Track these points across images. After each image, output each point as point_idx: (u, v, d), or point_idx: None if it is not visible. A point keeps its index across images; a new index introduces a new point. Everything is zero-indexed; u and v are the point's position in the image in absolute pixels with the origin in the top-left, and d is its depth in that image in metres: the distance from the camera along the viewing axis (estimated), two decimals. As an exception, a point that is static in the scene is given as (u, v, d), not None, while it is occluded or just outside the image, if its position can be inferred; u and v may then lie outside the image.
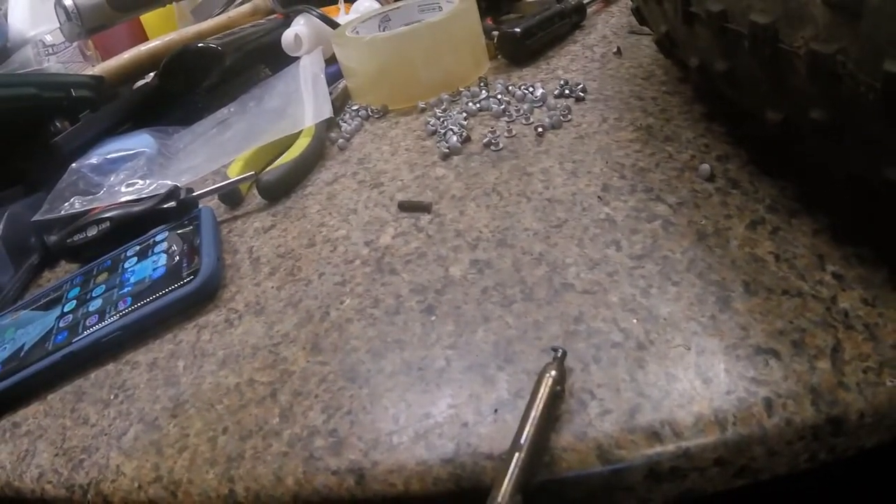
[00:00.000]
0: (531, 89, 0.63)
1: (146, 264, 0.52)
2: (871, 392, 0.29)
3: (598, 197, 0.46)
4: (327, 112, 0.68)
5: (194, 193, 0.60)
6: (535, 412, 0.30)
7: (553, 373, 0.32)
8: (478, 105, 0.64)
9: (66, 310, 0.51)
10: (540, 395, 0.31)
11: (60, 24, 0.91)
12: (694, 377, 0.32)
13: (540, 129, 0.56)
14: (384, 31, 0.79)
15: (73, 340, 0.47)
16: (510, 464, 0.28)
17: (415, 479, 0.31)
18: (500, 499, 0.27)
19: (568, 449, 0.30)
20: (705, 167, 0.45)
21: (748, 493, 0.31)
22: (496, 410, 0.33)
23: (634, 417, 0.31)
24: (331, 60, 0.82)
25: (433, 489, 0.31)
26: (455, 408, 0.34)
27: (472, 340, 0.37)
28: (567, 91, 0.62)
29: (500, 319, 0.38)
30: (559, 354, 0.33)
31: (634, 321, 0.35)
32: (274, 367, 0.40)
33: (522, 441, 0.29)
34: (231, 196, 0.61)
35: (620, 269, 0.39)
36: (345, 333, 0.41)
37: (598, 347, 0.34)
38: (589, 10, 0.82)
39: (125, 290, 0.50)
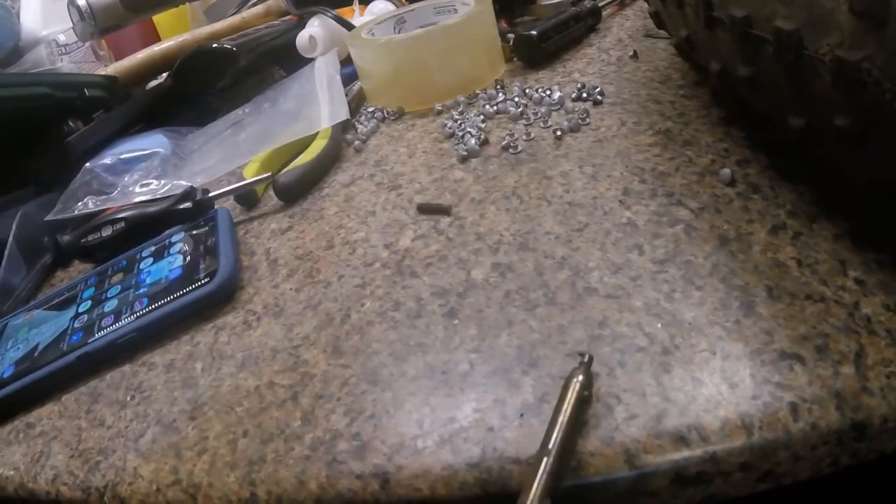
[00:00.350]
0: (548, 92, 0.63)
1: (162, 265, 0.52)
2: (895, 397, 0.29)
3: (619, 201, 0.46)
4: (344, 114, 0.68)
5: (210, 194, 0.60)
6: (563, 417, 0.30)
7: (580, 377, 0.32)
8: (495, 108, 0.64)
9: (80, 310, 0.51)
10: (567, 400, 0.31)
11: (73, 23, 0.92)
12: (720, 382, 0.31)
13: (558, 133, 0.56)
14: (399, 32, 0.79)
15: (89, 341, 0.46)
16: (538, 469, 0.28)
17: (440, 483, 0.31)
18: (530, 502, 0.27)
19: (595, 454, 0.30)
20: (726, 171, 0.44)
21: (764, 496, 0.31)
22: (522, 415, 0.33)
23: (661, 422, 0.30)
24: (345, 62, 0.82)
25: (459, 494, 0.31)
26: (480, 412, 0.33)
27: (495, 344, 0.37)
28: (584, 94, 0.62)
29: (524, 323, 0.38)
30: (586, 359, 0.33)
31: (659, 326, 0.35)
32: (294, 369, 0.40)
33: (550, 446, 0.29)
34: (247, 197, 0.61)
35: (643, 273, 0.39)
36: (366, 336, 0.40)
37: (623, 352, 0.34)
38: (604, 13, 0.81)
39: (141, 290, 0.50)
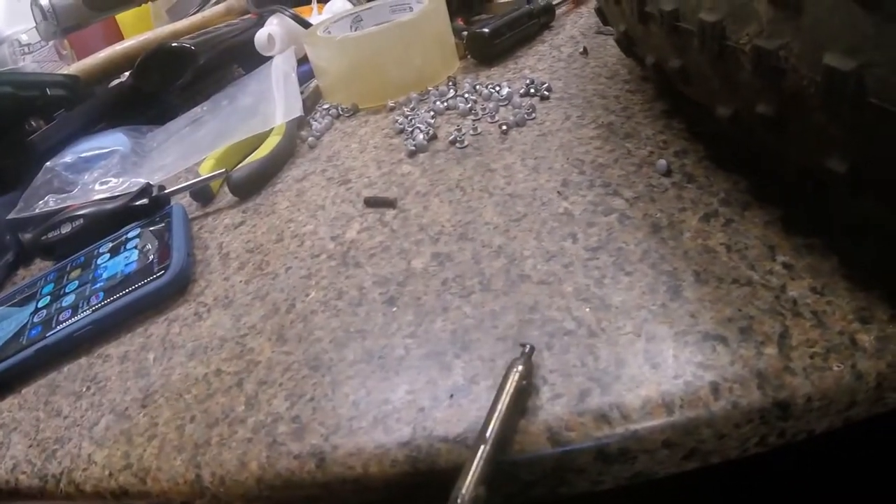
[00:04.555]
0: (498, 88, 0.65)
1: (118, 260, 0.53)
2: (818, 376, 0.30)
3: (558, 192, 0.47)
4: (298, 110, 0.69)
5: (166, 191, 0.61)
6: (502, 405, 0.31)
7: (520, 367, 0.32)
8: (445, 104, 0.65)
9: (40, 305, 0.52)
10: (507, 389, 0.31)
11: (36, 23, 0.92)
12: (643, 362, 0.32)
13: (504, 127, 0.57)
14: (356, 31, 0.80)
15: (47, 335, 0.47)
16: (476, 456, 0.29)
17: (373, 461, 0.32)
18: (464, 490, 0.28)
19: (520, 431, 0.31)
20: (662, 162, 0.46)
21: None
22: (452, 395, 0.34)
23: (584, 401, 0.31)
24: (303, 60, 0.83)
25: (391, 471, 0.32)
26: (412, 393, 0.35)
27: (430, 329, 0.38)
28: (532, 90, 0.63)
29: (459, 309, 0.39)
30: (527, 350, 0.34)
31: (587, 310, 0.36)
32: (241, 357, 0.41)
33: (488, 434, 0.30)
34: (202, 193, 0.62)
35: (576, 260, 0.40)
36: (309, 324, 0.42)
37: (552, 335, 0.35)
38: (558, 11, 0.83)
39: (97, 285, 0.51)
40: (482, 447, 0.29)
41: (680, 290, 0.36)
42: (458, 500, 0.28)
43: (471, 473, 0.28)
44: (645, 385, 0.31)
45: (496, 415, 0.30)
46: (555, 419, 0.31)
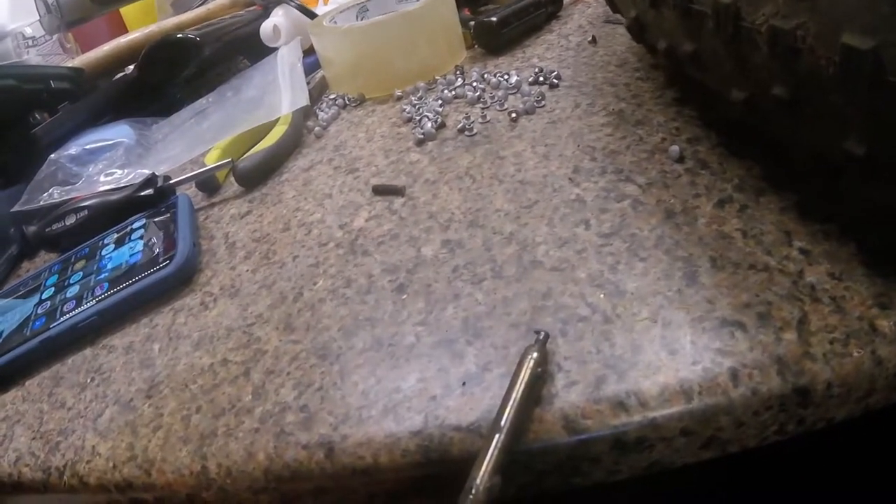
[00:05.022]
0: (506, 77, 0.64)
1: (123, 251, 0.52)
2: (838, 362, 0.29)
3: (569, 178, 0.46)
4: (303, 100, 0.68)
5: (171, 181, 0.60)
6: (517, 393, 0.30)
7: (535, 355, 0.32)
8: (453, 93, 0.65)
9: (44, 297, 0.51)
10: (521, 377, 0.31)
11: (40, 16, 0.92)
12: (660, 349, 0.32)
13: (514, 115, 0.57)
14: (362, 20, 0.79)
15: (51, 326, 0.47)
16: (490, 444, 0.29)
17: (383, 451, 0.32)
18: (478, 480, 0.27)
19: (534, 419, 0.31)
20: (675, 148, 0.45)
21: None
22: (464, 383, 0.33)
23: (600, 388, 0.31)
24: (309, 51, 0.82)
25: (402, 461, 0.31)
26: (424, 382, 0.34)
27: (441, 317, 0.38)
28: (541, 78, 0.62)
29: (470, 297, 0.38)
30: (541, 337, 0.33)
31: (602, 296, 0.36)
32: (247, 346, 0.41)
33: (503, 423, 0.29)
34: (208, 183, 0.62)
35: (589, 246, 0.40)
36: (317, 313, 0.41)
37: (566, 322, 0.35)
38: (566, 1, 0.82)
39: (102, 276, 0.50)
40: (497, 436, 0.29)
41: (696, 275, 0.35)
42: (473, 491, 0.27)
43: (485, 463, 0.28)
44: (662, 372, 0.31)
45: (511, 403, 0.30)
46: (570, 407, 0.31)
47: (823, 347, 0.30)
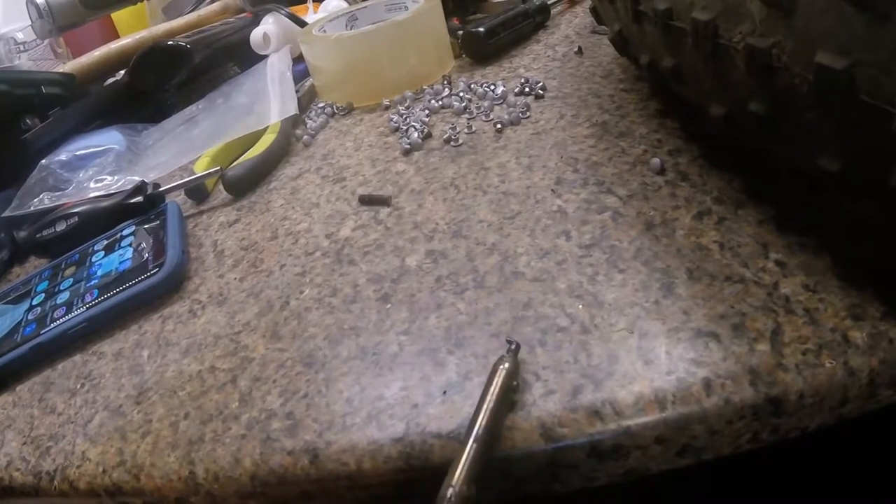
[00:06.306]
0: (492, 87, 0.65)
1: (113, 258, 0.53)
2: (811, 373, 0.30)
3: (552, 190, 0.47)
4: (293, 109, 0.69)
5: (161, 189, 0.61)
6: (489, 403, 0.31)
7: (506, 365, 0.32)
8: (440, 102, 0.66)
9: (34, 303, 0.52)
10: (493, 386, 0.31)
11: (32, 21, 0.92)
12: (636, 359, 0.32)
13: (499, 126, 0.58)
14: (351, 29, 0.80)
15: (41, 332, 0.47)
16: (463, 454, 0.29)
17: (366, 457, 0.32)
18: (452, 489, 0.28)
19: (512, 427, 0.31)
20: (656, 161, 0.46)
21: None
22: (445, 392, 0.34)
23: (577, 397, 0.31)
24: (298, 59, 0.83)
25: (384, 467, 0.32)
26: (406, 390, 0.35)
27: (424, 326, 0.38)
28: (527, 89, 0.63)
29: (452, 306, 0.39)
30: (513, 347, 0.34)
31: (580, 307, 0.37)
32: (234, 354, 0.41)
33: (476, 432, 0.30)
34: (197, 191, 0.62)
35: (569, 257, 0.40)
36: (303, 321, 0.42)
37: (545, 332, 0.36)
38: (553, 11, 0.83)
39: (92, 282, 0.51)
40: (470, 445, 0.29)
41: (673, 287, 0.36)
42: (446, 500, 0.28)
43: (458, 471, 0.28)
44: (637, 381, 0.31)
45: (482, 412, 0.31)
46: (547, 415, 0.31)
47: (796, 358, 0.30)
